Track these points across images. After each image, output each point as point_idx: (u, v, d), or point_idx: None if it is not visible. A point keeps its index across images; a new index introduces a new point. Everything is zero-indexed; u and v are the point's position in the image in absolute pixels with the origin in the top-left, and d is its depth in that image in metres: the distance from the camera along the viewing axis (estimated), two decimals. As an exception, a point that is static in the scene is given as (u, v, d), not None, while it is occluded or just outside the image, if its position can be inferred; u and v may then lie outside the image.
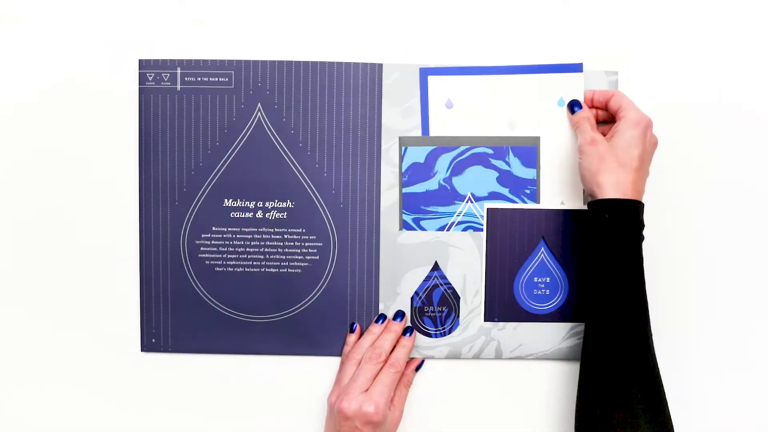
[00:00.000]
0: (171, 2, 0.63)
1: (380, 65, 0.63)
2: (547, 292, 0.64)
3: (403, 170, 0.63)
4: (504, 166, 0.63)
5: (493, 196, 0.64)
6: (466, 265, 0.64)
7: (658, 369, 0.56)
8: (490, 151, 0.63)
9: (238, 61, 0.62)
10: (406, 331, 0.63)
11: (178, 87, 0.63)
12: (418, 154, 0.63)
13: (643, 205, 0.57)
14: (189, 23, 0.63)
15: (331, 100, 0.63)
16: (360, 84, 0.63)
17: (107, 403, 0.65)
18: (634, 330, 0.56)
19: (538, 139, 0.63)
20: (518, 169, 0.63)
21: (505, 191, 0.64)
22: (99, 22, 0.63)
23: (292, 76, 0.63)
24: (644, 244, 0.57)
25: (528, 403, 0.65)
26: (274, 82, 0.63)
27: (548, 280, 0.64)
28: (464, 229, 0.64)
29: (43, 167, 0.64)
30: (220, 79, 0.63)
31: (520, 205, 0.64)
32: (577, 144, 0.61)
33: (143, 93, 0.63)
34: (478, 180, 0.63)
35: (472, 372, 0.65)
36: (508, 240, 0.64)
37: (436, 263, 0.64)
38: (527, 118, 0.63)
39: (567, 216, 0.64)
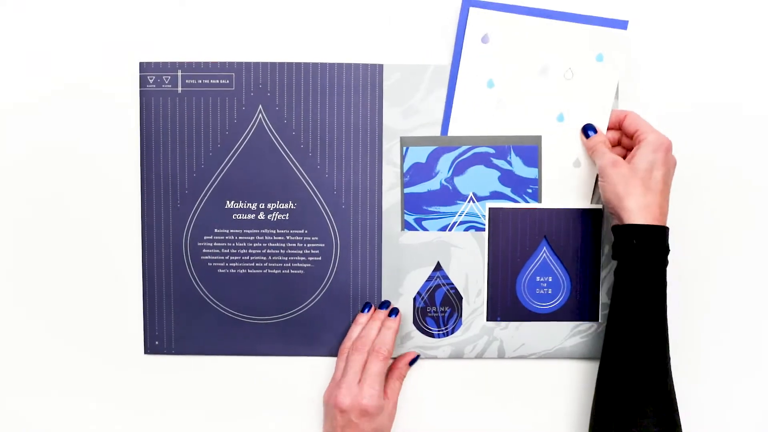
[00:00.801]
0: (171, 4, 0.63)
1: (380, 66, 0.63)
2: (550, 292, 0.64)
3: (404, 170, 0.63)
4: (506, 166, 0.63)
5: (495, 195, 0.64)
6: (469, 265, 0.64)
7: (674, 394, 0.57)
8: (492, 151, 0.63)
9: (239, 63, 0.63)
10: (392, 312, 0.63)
11: (179, 89, 0.63)
12: (419, 154, 0.63)
13: (668, 229, 0.57)
14: (189, 25, 0.63)
15: (332, 101, 0.63)
16: (361, 85, 0.63)
17: (110, 406, 0.65)
18: (655, 353, 0.56)
19: (539, 138, 0.63)
20: (520, 168, 0.63)
21: (507, 191, 0.64)
22: (99, 25, 0.63)
23: (293, 78, 0.63)
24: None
25: (531, 403, 0.65)
26: (275, 84, 0.63)
27: (550, 279, 0.64)
28: (466, 229, 0.64)
29: (45, 170, 0.64)
30: (221, 81, 0.63)
31: (522, 205, 0.64)
32: (597, 166, 0.60)
33: (144, 95, 0.63)
34: (479, 179, 0.63)
35: (475, 371, 0.65)
36: (510, 239, 0.64)
37: (438, 263, 0.64)
38: (562, 68, 0.62)
39: (569, 215, 0.63)
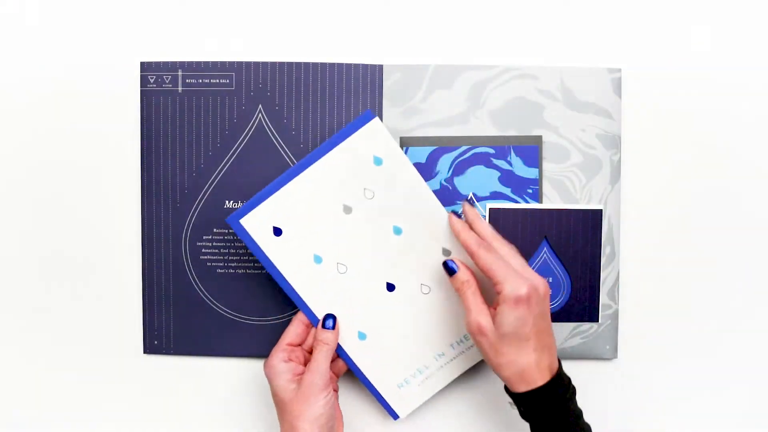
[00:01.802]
0: (172, 4, 0.63)
1: (380, 66, 0.63)
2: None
3: (404, 171, 0.63)
4: (506, 166, 0.63)
5: (495, 195, 0.63)
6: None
7: None
8: (492, 151, 0.63)
9: (239, 63, 0.63)
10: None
11: (180, 89, 0.63)
12: (419, 154, 0.63)
13: (560, 370, 0.54)
14: (189, 25, 0.64)
15: (332, 101, 0.63)
16: (361, 85, 0.63)
17: (109, 405, 0.65)
18: None
19: (540, 138, 0.63)
20: (520, 168, 0.63)
21: (507, 191, 0.63)
22: (100, 24, 0.64)
23: (293, 78, 0.63)
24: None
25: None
26: (275, 84, 0.63)
27: (550, 280, 0.63)
28: (466, 230, 0.63)
29: (45, 170, 0.64)
30: (221, 81, 0.63)
31: (523, 205, 0.63)
32: (465, 323, 0.55)
33: (145, 95, 0.63)
34: (479, 180, 0.63)
35: (474, 371, 0.64)
36: (510, 240, 0.63)
37: (437, 264, 0.64)
38: (361, 191, 0.59)
39: (569, 216, 0.63)
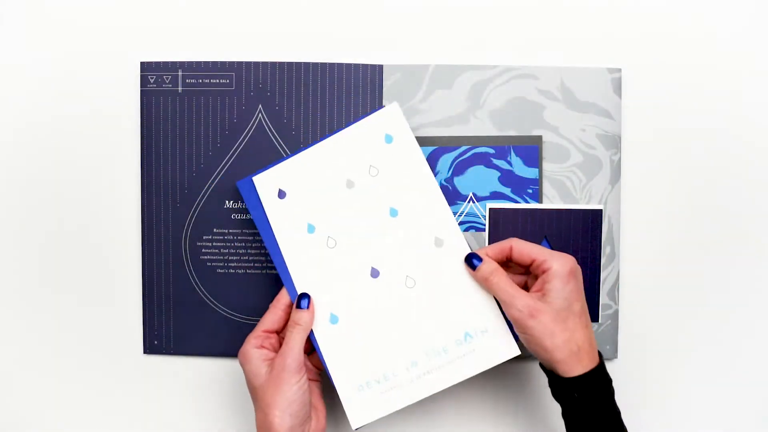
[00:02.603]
0: (172, 4, 0.63)
1: (381, 66, 0.63)
2: (550, 292, 0.64)
3: (404, 170, 0.63)
4: (506, 166, 0.63)
5: (495, 195, 0.63)
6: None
7: None
8: (492, 151, 0.63)
9: (239, 63, 0.63)
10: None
11: (180, 89, 0.63)
12: (419, 155, 0.63)
13: (602, 360, 0.53)
14: (189, 25, 0.64)
15: (332, 101, 0.63)
16: (361, 85, 0.63)
17: (109, 405, 0.65)
18: None
19: (540, 138, 0.63)
20: (520, 168, 0.63)
21: (507, 191, 0.63)
22: (100, 24, 0.64)
23: (293, 77, 0.63)
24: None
25: (531, 403, 0.65)
26: (275, 84, 0.63)
27: (551, 279, 0.63)
28: (466, 229, 0.63)
29: (45, 170, 0.64)
30: (221, 81, 0.63)
31: (522, 205, 0.63)
32: (509, 312, 0.53)
33: (145, 95, 0.63)
34: (479, 180, 0.63)
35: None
36: (510, 240, 0.63)
37: (437, 264, 0.64)
38: (366, 167, 0.58)
39: (569, 215, 0.63)
